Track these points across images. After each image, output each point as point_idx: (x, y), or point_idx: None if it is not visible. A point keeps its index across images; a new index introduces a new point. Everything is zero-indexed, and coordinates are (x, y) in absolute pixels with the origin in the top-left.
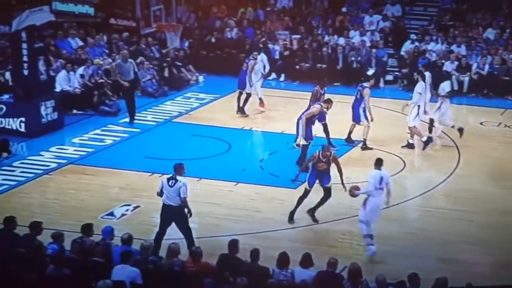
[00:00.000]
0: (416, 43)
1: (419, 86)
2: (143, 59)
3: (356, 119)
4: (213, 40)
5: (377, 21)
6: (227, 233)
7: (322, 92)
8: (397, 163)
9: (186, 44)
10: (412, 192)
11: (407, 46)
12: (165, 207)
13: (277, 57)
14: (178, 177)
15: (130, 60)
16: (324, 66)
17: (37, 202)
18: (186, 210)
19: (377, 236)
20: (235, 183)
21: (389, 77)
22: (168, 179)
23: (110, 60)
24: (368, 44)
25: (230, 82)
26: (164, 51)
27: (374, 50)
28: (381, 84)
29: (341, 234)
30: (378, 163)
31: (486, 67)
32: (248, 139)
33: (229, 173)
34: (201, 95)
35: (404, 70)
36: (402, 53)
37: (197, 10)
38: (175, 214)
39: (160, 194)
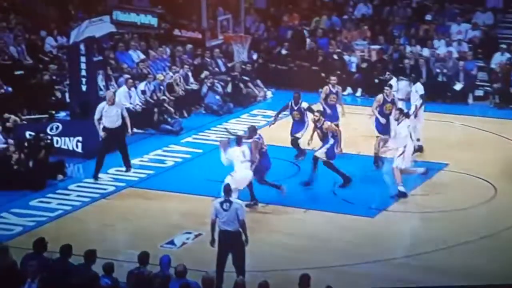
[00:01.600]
0: (509, 55)
1: None
2: (208, 74)
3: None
4: (283, 52)
5: (466, 30)
6: (296, 266)
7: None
8: (487, 189)
9: (254, 56)
10: (504, 223)
11: (499, 58)
12: (223, 233)
13: (353, 69)
14: (232, 199)
15: (118, 102)
16: (406, 79)
17: (93, 228)
18: (243, 236)
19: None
20: (305, 209)
21: (479, 93)
22: (222, 203)
23: (171, 74)
24: (455, 55)
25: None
26: (230, 64)
27: (461, 62)
28: (470, 100)
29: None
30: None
31: None
32: (320, 161)
33: (298, 198)
34: (269, 112)
35: (495, 85)
36: (493, 66)
37: (267, 19)
38: (234, 240)
39: (215, 219)
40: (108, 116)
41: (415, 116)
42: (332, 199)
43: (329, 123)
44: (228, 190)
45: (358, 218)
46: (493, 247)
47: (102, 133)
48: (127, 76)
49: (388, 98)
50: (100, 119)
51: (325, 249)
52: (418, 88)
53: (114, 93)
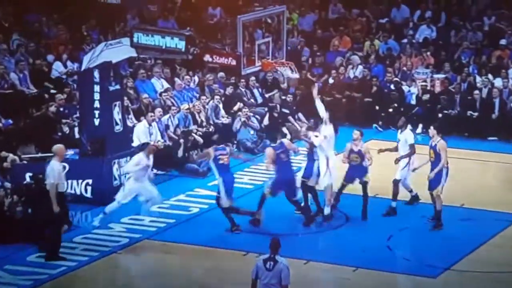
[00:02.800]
0: None
1: None
2: (241, 105)
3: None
4: (331, 80)
5: None
6: None
7: None
8: None
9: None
10: None
11: None
12: None
13: (413, 102)
14: (277, 257)
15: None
16: (475, 114)
17: None
18: None
19: None
20: (354, 268)
21: None
22: (265, 260)
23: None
24: None
25: (348, 133)
26: (268, 95)
27: None
28: None
29: None
30: None
31: None
32: (371, 209)
33: (345, 254)
34: None
35: None
36: None
37: (313, 43)
38: None
39: (255, 279)
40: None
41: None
42: (386, 255)
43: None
44: (275, 244)
45: (416, 278)
46: None
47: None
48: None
49: (355, 148)
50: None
51: None
52: (408, 136)
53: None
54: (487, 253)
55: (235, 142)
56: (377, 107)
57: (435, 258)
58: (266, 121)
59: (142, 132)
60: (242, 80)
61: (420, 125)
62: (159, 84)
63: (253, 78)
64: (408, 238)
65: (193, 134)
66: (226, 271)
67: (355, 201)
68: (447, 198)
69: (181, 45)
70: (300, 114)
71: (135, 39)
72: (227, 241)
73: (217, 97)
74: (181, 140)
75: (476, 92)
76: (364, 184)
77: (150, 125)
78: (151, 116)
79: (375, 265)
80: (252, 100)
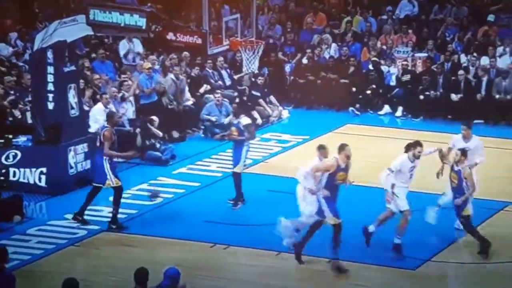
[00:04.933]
0: None
1: None
2: (208, 88)
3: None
4: (305, 61)
5: None
6: None
7: None
8: None
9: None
10: None
11: None
12: None
13: (393, 83)
14: None
15: None
16: (459, 96)
17: (58, 284)
18: None
19: None
20: (328, 259)
21: None
22: None
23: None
24: None
25: (324, 117)
26: (237, 76)
27: None
28: None
29: None
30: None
31: None
32: (347, 198)
33: (324, 245)
34: (285, 137)
35: None
36: None
37: (285, 20)
38: None
39: None
40: None
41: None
42: (363, 247)
43: (469, 170)
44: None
45: (396, 270)
46: None
47: None
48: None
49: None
50: None
51: None
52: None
53: None
54: (468, 243)
55: (202, 126)
56: (354, 89)
57: (415, 249)
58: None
59: (99, 115)
60: (209, 61)
61: (400, 108)
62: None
63: (221, 58)
64: (385, 227)
65: (151, 126)
66: (193, 265)
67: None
68: (428, 185)
69: (142, 22)
70: (272, 97)
71: (91, 16)
72: (193, 232)
73: (181, 77)
74: (138, 130)
75: (461, 72)
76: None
77: (106, 107)
78: (106, 98)
79: (352, 257)
80: (220, 82)
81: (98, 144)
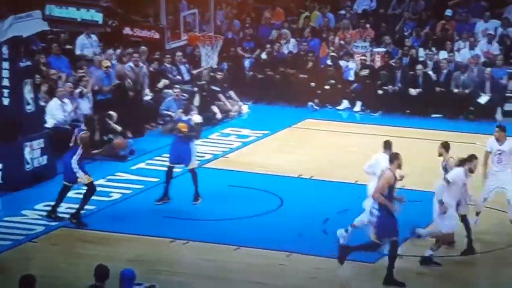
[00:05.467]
0: None
1: None
2: (167, 82)
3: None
4: (263, 56)
5: (495, 28)
6: None
7: None
8: None
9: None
10: None
11: None
12: None
13: (351, 78)
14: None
15: None
16: (418, 90)
17: (14, 281)
18: None
19: None
20: (288, 253)
21: (510, 107)
22: None
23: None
24: (481, 60)
25: (283, 113)
26: (196, 71)
27: (488, 69)
28: (499, 117)
29: None
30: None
31: None
32: (307, 192)
33: (279, 239)
34: (245, 131)
35: None
36: None
37: (244, 15)
38: None
39: None
40: None
41: None
42: (322, 240)
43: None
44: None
45: (354, 264)
46: None
47: None
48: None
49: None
50: None
51: None
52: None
53: None
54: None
55: (161, 122)
56: (313, 84)
57: None
58: (197, 101)
59: (55, 109)
60: (168, 55)
61: (359, 103)
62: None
63: (179, 53)
64: (346, 221)
65: (109, 121)
66: (152, 261)
67: (290, 184)
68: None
69: (98, 17)
70: (231, 92)
71: (47, 12)
72: (153, 228)
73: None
74: (97, 126)
75: (419, 67)
76: None
77: (62, 101)
78: (61, 91)
79: (311, 250)
80: (179, 77)
81: (71, 144)
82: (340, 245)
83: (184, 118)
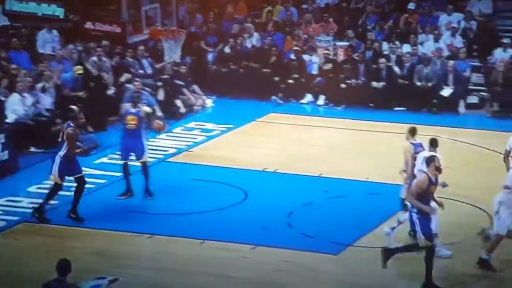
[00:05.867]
0: None
1: None
2: (129, 76)
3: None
4: (227, 50)
5: (458, 21)
6: None
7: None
8: (482, 220)
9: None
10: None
11: (500, 56)
12: None
13: (315, 72)
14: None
15: None
16: (381, 84)
17: None
18: None
19: None
20: (252, 246)
21: (473, 100)
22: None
23: None
24: (444, 53)
25: (247, 107)
26: (158, 65)
27: (451, 62)
28: (461, 109)
29: None
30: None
31: None
32: (272, 185)
33: (244, 232)
34: (209, 126)
35: (494, 90)
36: (492, 65)
37: (206, 9)
38: None
39: None
40: None
41: None
42: (286, 232)
43: None
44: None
45: (317, 255)
46: None
47: None
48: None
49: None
50: None
51: None
52: None
53: None
54: (396, 229)
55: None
56: (276, 78)
57: (337, 234)
58: (161, 95)
59: (16, 104)
60: (130, 50)
61: (322, 97)
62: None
63: (141, 47)
64: (310, 214)
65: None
66: (115, 255)
67: (255, 178)
68: (352, 171)
69: (59, 12)
70: (195, 86)
71: (7, 7)
72: (117, 222)
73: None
74: (58, 120)
75: (382, 60)
76: None
77: (22, 95)
78: (20, 86)
79: (275, 243)
80: (141, 71)
81: (59, 140)
82: (382, 250)
83: (133, 110)
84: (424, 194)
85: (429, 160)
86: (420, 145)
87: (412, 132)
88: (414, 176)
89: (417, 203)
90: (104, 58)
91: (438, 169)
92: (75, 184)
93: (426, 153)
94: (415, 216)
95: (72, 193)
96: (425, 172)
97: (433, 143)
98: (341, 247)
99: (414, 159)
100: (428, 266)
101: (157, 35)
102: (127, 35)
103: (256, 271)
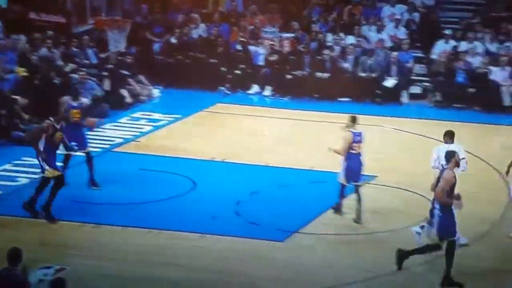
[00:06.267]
0: (454, 42)
1: None
2: (74, 66)
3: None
4: (173, 40)
5: (401, 13)
6: None
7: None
8: (425, 206)
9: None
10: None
11: (442, 47)
12: None
13: (261, 63)
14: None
15: None
16: (326, 75)
17: None
18: None
19: None
20: (200, 234)
21: (416, 90)
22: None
23: None
24: (387, 44)
25: (194, 97)
26: (103, 55)
27: (394, 53)
28: (404, 99)
29: None
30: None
31: None
32: (220, 175)
33: (193, 221)
34: (156, 116)
35: (437, 80)
36: (434, 56)
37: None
38: None
39: None
40: None
41: None
42: (234, 221)
43: None
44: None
45: (264, 242)
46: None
47: None
48: None
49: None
50: None
51: (224, 285)
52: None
53: None
54: (336, 215)
55: None
56: (223, 69)
57: (284, 221)
58: (107, 85)
59: None
60: (75, 40)
61: (269, 87)
62: None
63: (86, 37)
64: (257, 202)
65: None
66: (61, 244)
67: (203, 167)
68: (298, 161)
69: (2, 2)
70: (141, 76)
71: None
72: (63, 212)
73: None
74: (3, 112)
75: (326, 51)
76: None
77: None
78: None
79: (223, 231)
80: (86, 61)
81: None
82: (397, 253)
83: (75, 104)
84: (450, 190)
85: (450, 156)
86: (360, 134)
87: (353, 121)
88: (347, 159)
89: (448, 201)
90: (54, 50)
91: (457, 164)
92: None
93: (443, 146)
94: (438, 213)
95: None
96: (448, 168)
97: (450, 136)
98: (287, 234)
99: (351, 148)
100: (449, 261)
101: (102, 25)
102: (72, 25)
103: (205, 259)
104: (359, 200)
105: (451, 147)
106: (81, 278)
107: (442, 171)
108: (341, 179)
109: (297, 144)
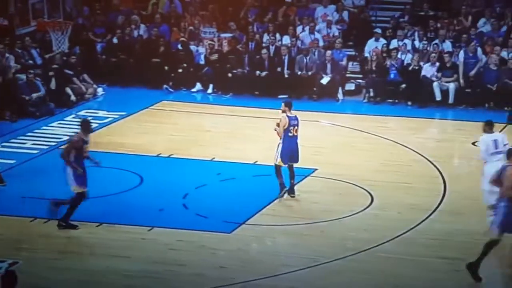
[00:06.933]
0: (385, 41)
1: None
2: (18, 67)
3: None
4: (115, 40)
5: (333, 12)
6: None
7: None
8: (363, 197)
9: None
10: (383, 234)
11: (373, 45)
12: None
13: (202, 62)
14: None
15: None
16: (265, 73)
17: None
18: None
19: None
20: (149, 228)
21: (350, 87)
22: None
23: None
24: (321, 43)
25: (139, 95)
26: (48, 56)
27: (329, 52)
28: (340, 96)
29: None
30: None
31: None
32: (167, 170)
33: (140, 215)
34: (101, 113)
35: (369, 77)
36: (366, 54)
37: (93, 2)
38: None
39: None
40: None
41: None
42: (182, 214)
43: None
44: None
45: (212, 234)
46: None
47: None
48: None
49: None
50: None
51: (173, 275)
52: None
53: None
54: (280, 207)
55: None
56: (166, 68)
57: (230, 214)
58: (53, 84)
59: None
60: (18, 41)
61: (211, 85)
62: None
63: (27, 38)
64: (204, 196)
65: None
66: (12, 239)
67: (149, 163)
68: (241, 155)
69: None
70: (85, 75)
71: None
72: (12, 207)
73: None
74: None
75: (264, 51)
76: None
77: None
78: None
79: (171, 224)
80: (31, 62)
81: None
82: (467, 269)
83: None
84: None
85: (510, 154)
86: (296, 118)
87: (288, 106)
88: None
89: None
90: (6, 54)
91: None
92: None
93: (486, 136)
94: (502, 208)
95: None
96: (510, 165)
97: (490, 125)
98: (234, 226)
99: (288, 130)
100: (483, 254)
101: (44, 27)
102: (15, 27)
103: (153, 251)
104: (292, 177)
105: (494, 136)
106: (33, 272)
107: (503, 168)
108: (277, 161)
109: (240, 139)
